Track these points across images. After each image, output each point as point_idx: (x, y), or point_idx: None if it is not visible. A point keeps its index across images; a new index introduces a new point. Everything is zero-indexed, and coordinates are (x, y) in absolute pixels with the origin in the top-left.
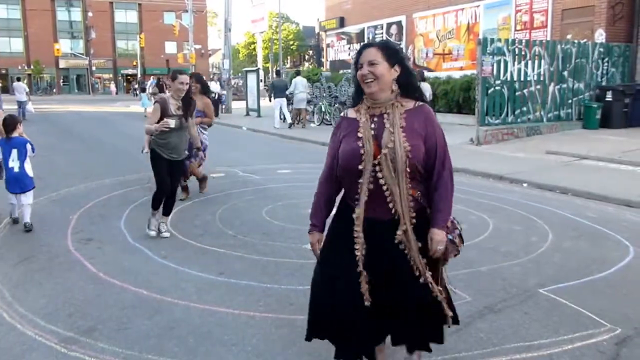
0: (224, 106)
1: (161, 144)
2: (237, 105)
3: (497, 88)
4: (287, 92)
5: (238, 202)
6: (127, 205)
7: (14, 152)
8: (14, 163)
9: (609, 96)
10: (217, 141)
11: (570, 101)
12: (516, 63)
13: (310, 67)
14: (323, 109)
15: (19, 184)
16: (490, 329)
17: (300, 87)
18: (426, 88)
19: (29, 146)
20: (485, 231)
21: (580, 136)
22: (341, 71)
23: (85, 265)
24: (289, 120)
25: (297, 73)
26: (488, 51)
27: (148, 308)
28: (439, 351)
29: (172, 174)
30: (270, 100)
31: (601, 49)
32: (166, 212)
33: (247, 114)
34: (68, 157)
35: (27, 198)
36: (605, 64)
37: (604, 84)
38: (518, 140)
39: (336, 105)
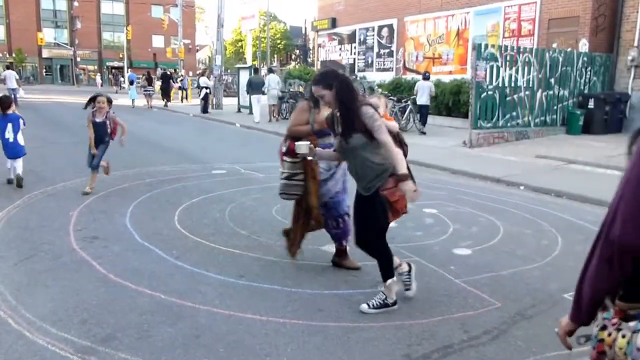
0: (214, 102)
1: None
2: (228, 102)
3: (489, 93)
4: (263, 89)
5: (246, 201)
6: (129, 202)
7: (9, 125)
8: (9, 134)
9: (591, 104)
10: (213, 138)
11: (555, 107)
12: (507, 69)
13: (297, 66)
14: None
15: (13, 152)
16: (527, 336)
17: (273, 83)
18: (428, 86)
19: (21, 121)
20: (497, 234)
21: (565, 141)
22: None
23: (93, 265)
24: (257, 118)
25: (270, 70)
26: (482, 56)
27: (169, 314)
28: None
29: None
30: (247, 96)
31: (585, 58)
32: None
33: (239, 111)
34: (60, 150)
35: (19, 162)
36: (588, 72)
37: (586, 91)
38: (508, 144)
39: None
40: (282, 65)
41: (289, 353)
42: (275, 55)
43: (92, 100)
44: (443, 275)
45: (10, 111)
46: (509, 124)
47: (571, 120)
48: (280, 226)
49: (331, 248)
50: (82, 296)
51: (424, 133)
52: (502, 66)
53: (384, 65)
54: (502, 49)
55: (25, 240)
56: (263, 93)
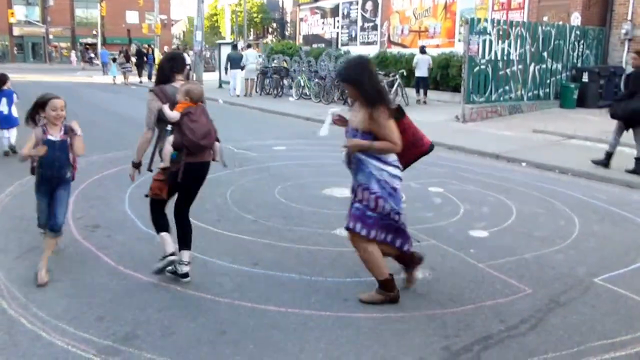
0: (195, 78)
1: None
2: (207, 78)
3: (482, 67)
4: (241, 64)
5: (245, 183)
6: (124, 186)
7: (4, 100)
8: (3, 107)
9: (585, 77)
10: None
11: (548, 81)
12: (500, 43)
13: (274, 39)
14: (302, 84)
15: (8, 122)
16: (565, 325)
17: (250, 58)
18: (427, 59)
19: (15, 95)
20: (511, 214)
21: (560, 115)
22: (314, 45)
23: (100, 257)
24: (238, 92)
25: (248, 46)
26: (475, 30)
27: (189, 308)
28: (527, 352)
29: None
30: (226, 73)
31: (577, 32)
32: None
33: (220, 86)
34: None
35: (13, 132)
36: (581, 46)
37: (579, 65)
38: (501, 119)
39: (316, 80)
40: (258, 38)
41: (323, 348)
42: (252, 29)
43: (39, 106)
44: (465, 260)
45: (5, 87)
46: (501, 98)
47: (565, 94)
48: (285, 209)
49: (343, 232)
50: (94, 291)
51: (425, 103)
52: (494, 40)
53: (368, 38)
54: (494, 22)
55: (25, 231)
56: (241, 68)
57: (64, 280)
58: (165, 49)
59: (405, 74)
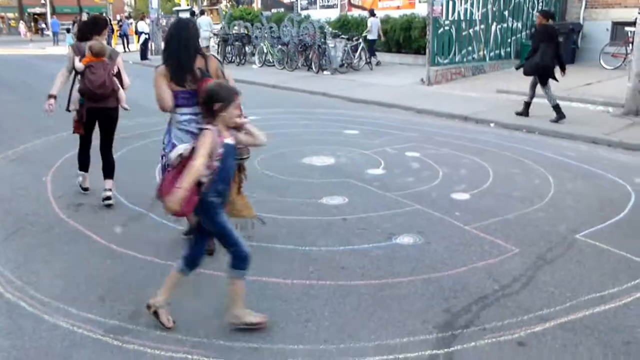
0: (153, 47)
1: None
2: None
3: (446, 28)
4: None
5: None
6: (99, 162)
7: None
8: None
9: None
10: None
11: (509, 40)
12: (463, 3)
13: (228, 6)
14: (265, 50)
15: None
16: (555, 281)
17: (204, 26)
18: (376, 22)
19: None
20: (488, 176)
21: (520, 74)
22: (273, 10)
23: (90, 236)
24: None
25: (202, 12)
26: None
27: (189, 284)
28: (523, 310)
29: None
30: None
31: None
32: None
33: None
34: (7, 110)
35: None
36: (540, 3)
37: None
38: (465, 80)
39: (279, 47)
40: (212, 5)
41: (328, 317)
42: None
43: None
44: (451, 223)
45: None
46: (465, 60)
47: (525, 53)
48: (268, 180)
49: (330, 201)
50: (90, 270)
51: (378, 64)
52: (457, 0)
53: (328, 2)
54: None
55: (7, 213)
56: None
57: (56, 260)
58: (118, 17)
59: (367, 37)
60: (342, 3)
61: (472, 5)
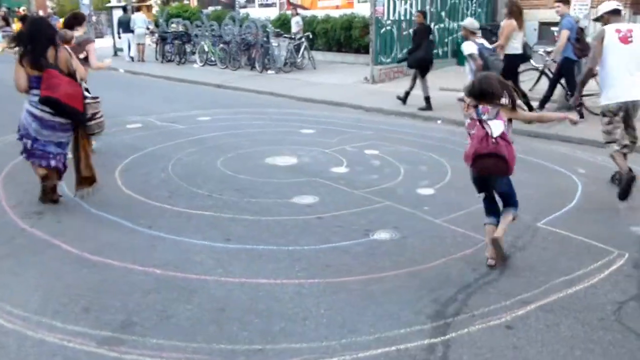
0: None
1: None
2: (99, 44)
3: (387, 28)
4: (131, 27)
5: (183, 157)
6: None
7: None
8: None
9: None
10: (102, 87)
11: (446, 40)
12: (403, 3)
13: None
14: (206, 49)
15: None
16: (528, 267)
17: (139, 22)
18: (296, 21)
19: None
20: (447, 171)
21: (459, 72)
22: (210, 7)
23: (58, 245)
24: (132, 53)
25: (137, 9)
26: None
27: (176, 289)
28: (504, 295)
29: None
30: (119, 37)
31: None
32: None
33: (115, 54)
34: None
35: None
36: (474, 4)
37: None
38: (407, 78)
39: (220, 46)
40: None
41: (325, 314)
42: None
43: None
44: (423, 217)
45: None
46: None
47: (460, 52)
48: (235, 182)
49: (301, 200)
50: (67, 281)
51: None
52: (397, 0)
53: (267, 0)
54: None
55: None
56: (133, 32)
57: (26, 272)
58: (40, 13)
59: (311, 36)
60: (280, 2)
61: (411, 5)
